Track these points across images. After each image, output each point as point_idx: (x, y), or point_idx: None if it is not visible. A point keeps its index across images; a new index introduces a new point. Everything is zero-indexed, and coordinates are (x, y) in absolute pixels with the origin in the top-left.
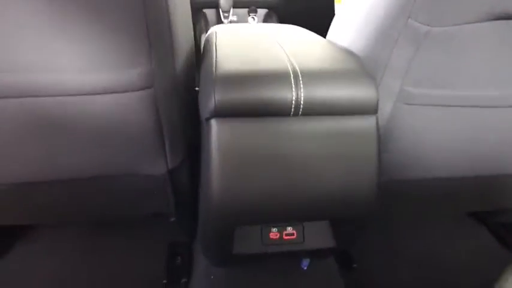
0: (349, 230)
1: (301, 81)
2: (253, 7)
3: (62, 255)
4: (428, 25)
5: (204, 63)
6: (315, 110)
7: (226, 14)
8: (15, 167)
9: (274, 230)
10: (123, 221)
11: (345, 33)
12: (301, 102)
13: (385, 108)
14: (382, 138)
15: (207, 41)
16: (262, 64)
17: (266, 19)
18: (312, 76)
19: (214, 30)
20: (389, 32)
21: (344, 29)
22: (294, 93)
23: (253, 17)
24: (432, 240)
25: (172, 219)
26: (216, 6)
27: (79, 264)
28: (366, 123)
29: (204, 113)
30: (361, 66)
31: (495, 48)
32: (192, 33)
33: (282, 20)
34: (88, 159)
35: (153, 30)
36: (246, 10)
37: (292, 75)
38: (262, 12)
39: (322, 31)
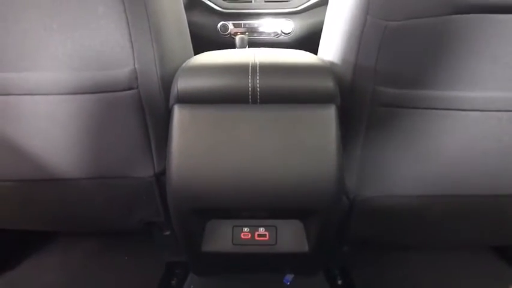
0: (326, 237)
1: (257, 71)
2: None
3: (67, 270)
4: (385, 20)
5: None
6: (272, 98)
7: None
8: (5, 165)
9: (245, 229)
10: (128, 239)
11: (326, 46)
12: (258, 89)
13: (364, 113)
14: (364, 147)
15: None
16: (226, 60)
17: None
18: (270, 67)
19: None
20: (353, 32)
21: (325, 42)
22: (250, 81)
23: None
24: (455, 280)
25: (167, 232)
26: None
27: (83, 280)
28: (325, 111)
29: (170, 102)
30: (321, 62)
31: (464, 45)
32: (190, 42)
33: None
34: (77, 158)
35: (134, 33)
36: None
37: (250, 67)
38: None
39: None
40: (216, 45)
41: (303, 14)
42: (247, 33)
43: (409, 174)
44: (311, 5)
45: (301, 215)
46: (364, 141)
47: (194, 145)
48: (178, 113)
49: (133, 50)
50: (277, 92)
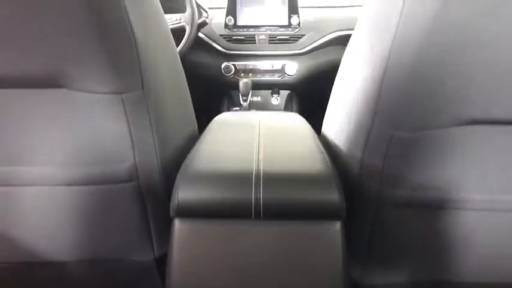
0: None
1: (261, 183)
2: (276, 88)
3: None
4: (392, 128)
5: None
6: (276, 213)
7: (245, 98)
8: (6, 248)
9: None
10: None
11: (332, 127)
12: (261, 203)
13: (368, 213)
14: (368, 247)
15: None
16: (229, 164)
17: (288, 100)
18: (273, 177)
19: (215, 120)
20: (361, 130)
21: (332, 121)
22: (253, 195)
23: (276, 98)
24: None
25: None
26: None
27: None
28: (330, 228)
29: (171, 210)
30: (327, 168)
31: (473, 153)
32: (192, 113)
33: (303, 101)
34: (73, 241)
35: (135, 129)
36: (269, 91)
37: (254, 177)
38: (284, 93)
39: None
40: (220, 84)
41: (307, 55)
42: (251, 74)
43: (419, 278)
44: (315, 47)
45: None
46: (369, 245)
47: (195, 262)
48: (178, 229)
49: (133, 145)
50: (281, 207)
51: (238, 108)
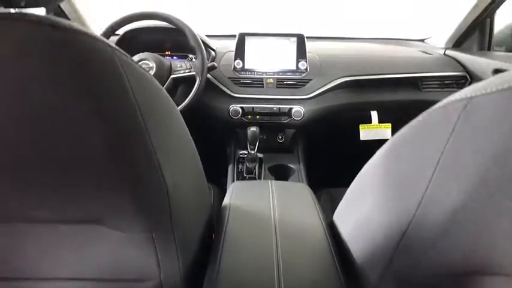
0: None
1: None
2: (282, 128)
3: None
4: (409, 276)
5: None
6: None
7: (252, 146)
8: None
9: None
10: None
11: (345, 224)
12: None
13: None
14: None
15: (217, 225)
16: None
17: (293, 139)
18: None
19: (229, 207)
20: (373, 265)
21: (346, 219)
22: None
23: (281, 136)
24: None
25: None
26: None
27: None
28: None
29: None
30: None
31: None
32: (208, 197)
33: (307, 140)
34: None
35: (162, 258)
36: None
37: None
38: (289, 131)
39: (345, 153)
40: (227, 125)
41: (313, 99)
42: (258, 116)
43: None
44: (322, 92)
45: None
46: None
47: None
48: None
49: (159, 268)
50: None
51: (246, 152)
